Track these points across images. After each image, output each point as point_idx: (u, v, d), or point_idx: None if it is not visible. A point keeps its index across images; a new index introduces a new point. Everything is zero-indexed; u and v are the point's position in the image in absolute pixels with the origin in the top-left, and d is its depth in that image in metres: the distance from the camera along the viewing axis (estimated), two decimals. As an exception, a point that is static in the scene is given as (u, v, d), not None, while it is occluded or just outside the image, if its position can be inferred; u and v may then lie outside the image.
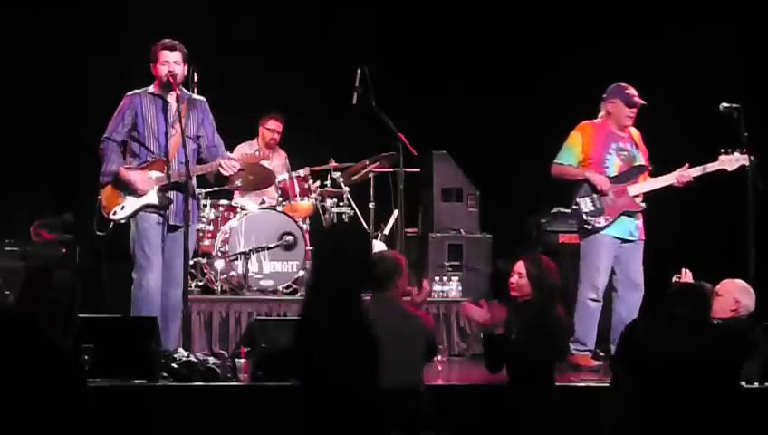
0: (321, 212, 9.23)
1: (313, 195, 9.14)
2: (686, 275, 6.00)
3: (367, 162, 9.20)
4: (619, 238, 7.42)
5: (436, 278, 9.03)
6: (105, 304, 7.65)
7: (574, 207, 7.52)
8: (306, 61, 10.27)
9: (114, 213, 6.92)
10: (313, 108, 10.06)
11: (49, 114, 9.54)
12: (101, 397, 5.63)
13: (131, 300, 6.87)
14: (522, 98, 10.22)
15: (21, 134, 9.46)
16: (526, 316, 5.62)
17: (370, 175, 9.28)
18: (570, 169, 7.52)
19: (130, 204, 6.91)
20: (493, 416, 6.03)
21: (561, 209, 9.43)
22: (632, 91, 7.49)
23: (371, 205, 9.29)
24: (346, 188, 9.31)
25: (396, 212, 9.12)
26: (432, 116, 9.94)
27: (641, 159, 7.55)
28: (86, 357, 5.71)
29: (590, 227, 7.42)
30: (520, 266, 5.72)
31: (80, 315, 6.36)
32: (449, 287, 8.97)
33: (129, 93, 7.00)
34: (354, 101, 8.50)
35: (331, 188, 9.29)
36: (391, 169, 9.03)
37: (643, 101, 7.48)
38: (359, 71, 8.46)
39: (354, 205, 9.38)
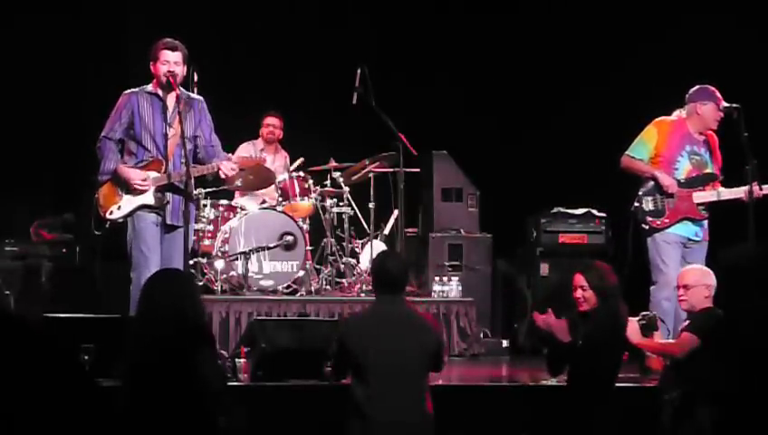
0: (321, 212, 9.23)
1: (313, 195, 9.14)
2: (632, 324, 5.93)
3: (367, 162, 9.19)
4: (684, 237, 7.32)
5: (436, 278, 9.03)
6: (102, 305, 7.64)
7: (636, 204, 7.37)
8: (306, 61, 10.27)
9: (111, 212, 6.91)
10: (313, 108, 10.06)
11: (49, 114, 9.54)
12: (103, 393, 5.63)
13: (130, 300, 6.86)
14: (522, 98, 10.23)
15: (21, 134, 9.46)
16: (598, 324, 5.57)
17: (370, 175, 9.27)
18: (639, 164, 7.38)
19: (127, 204, 6.90)
20: (493, 416, 6.04)
21: (562, 209, 9.44)
22: (719, 94, 7.37)
23: (371, 205, 9.28)
24: (346, 188, 9.30)
25: (396, 212, 9.12)
26: (432, 116, 9.94)
27: (713, 168, 7.44)
28: (86, 357, 5.73)
29: (647, 227, 7.31)
30: (580, 280, 5.60)
31: (80, 315, 6.43)
32: (449, 287, 8.96)
33: (127, 92, 6.99)
34: (354, 101, 8.50)
35: (331, 188, 9.29)
36: (391, 169, 9.03)
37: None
38: (359, 71, 8.47)
39: (354, 205, 9.38)
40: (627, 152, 7.43)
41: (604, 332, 5.55)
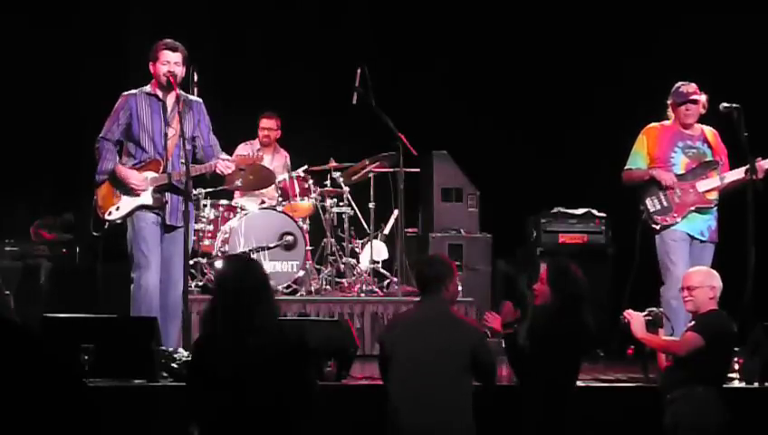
0: (321, 212, 9.23)
1: (313, 195, 9.13)
2: (631, 317, 5.89)
3: (367, 162, 9.18)
4: (690, 236, 7.26)
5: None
6: (102, 304, 7.64)
7: (641, 208, 7.30)
8: (306, 61, 10.27)
9: (109, 213, 6.92)
10: (313, 108, 10.06)
11: (49, 114, 9.54)
12: (101, 397, 5.63)
13: (130, 299, 6.86)
14: (522, 98, 10.22)
15: (21, 134, 9.46)
16: (538, 319, 5.59)
17: (370, 175, 9.27)
18: (637, 171, 7.36)
19: (125, 204, 6.91)
20: (493, 416, 6.03)
21: (562, 209, 9.43)
22: (687, 88, 7.32)
23: (371, 205, 9.27)
24: (346, 188, 9.30)
25: (396, 212, 9.11)
26: (432, 116, 9.94)
27: (712, 156, 7.36)
28: (86, 357, 5.73)
29: (657, 227, 7.25)
30: (543, 273, 5.68)
31: (80, 315, 6.42)
32: (449, 287, 8.94)
33: (125, 93, 6.99)
34: (354, 101, 8.50)
35: (331, 188, 9.28)
36: (391, 169, 9.02)
37: (695, 97, 7.28)
38: (359, 71, 8.46)
39: (354, 205, 9.38)
40: (625, 167, 7.43)
41: (544, 328, 5.52)
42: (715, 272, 5.98)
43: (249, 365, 4.40)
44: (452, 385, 5.18)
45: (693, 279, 5.85)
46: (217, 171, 6.99)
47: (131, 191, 6.89)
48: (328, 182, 9.31)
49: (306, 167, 9.18)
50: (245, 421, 4.39)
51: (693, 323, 5.76)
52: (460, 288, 8.88)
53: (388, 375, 5.23)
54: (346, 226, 9.30)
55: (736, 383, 6.46)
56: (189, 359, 4.74)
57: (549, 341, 5.50)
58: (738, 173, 7.25)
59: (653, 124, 7.46)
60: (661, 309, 6.07)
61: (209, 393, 4.43)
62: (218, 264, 8.61)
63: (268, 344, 4.44)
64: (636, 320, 5.78)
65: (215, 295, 4.70)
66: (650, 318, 5.86)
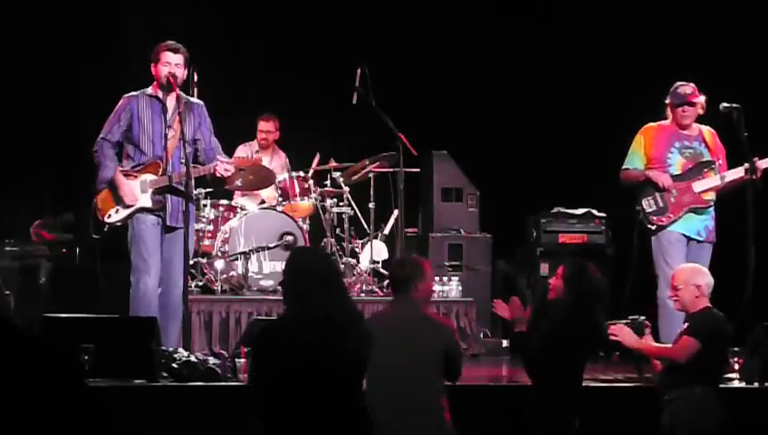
0: (321, 212, 9.23)
1: (313, 195, 9.13)
2: (617, 332, 5.85)
3: (367, 162, 9.19)
4: (686, 236, 7.26)
5: (437, 278, 9.02)
6: (102, 305, 7.64)
7: (638, 208, 7.30)
8: (306, 61, 10.27)
9: (109, 216, 6.92)
10: (313, 108, 10.06)
11: (50, 114, 9.54)
12: (101, 397, 5.63)
13: (129, 302, 6.86)
14: (522, 98, 10.23)
15: (22, 134, 9.46)
16: (551, 316, 5.56)
17: (370, 175, 9.27)
18: (633, 172, 7.35)
19: (125, 207, 6.91)
20: (494, 416, 6.03)
21: (562, 209, 9.44)
22: (685, 89, 7.30)
23: (371, 205, 9.28)
24: (346, 188, 9.30)
25: (396, 212, 9.12)
26: (432, 116, 9.94)
27: (709, 156, 7.34)
28: (86, 357, 5.73)
29: (653, 227, 7.24)
30: (560, 269, 5.64)
31: (80, 315, 6.42)
32: (449, 287, 8.96)
33: (126, 95, 7.00)
34: (354, 101, 8.50)
35: (331, 188, 9.29)
36: (391, 169, 9.03)
37: (694, 99, 7.26)
38: (359, 70, 8.46)
39: (354, 205, 9.38)
40: (622, 167, 7.42)
41: (556, 324, 5.49)
42: (702, 269, 5.93)
43: (311, 351, 4.43)
44: (427, 384, 5.18)
45: (677, 278, 5.81)
46: (217, 174, 6.98)
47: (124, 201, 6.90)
48: (328, 182, 9.31)
49: (318, 158, 9.19)
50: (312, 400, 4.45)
51: (686, 325, 5.72)
52: (460, 289, 8.96)
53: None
54: (346, 226, 9.30)
55: (736, 383, 6.46)
56: (255, 343, 4.79)
57: (560, 338, 5.48)
58: (737, 172, 7.25)
59: (650, 124, 7.45)
60: (643, 317, 5.97)
61: (274, 377, 4.47)
62: (218, 264, 8.62)
63: (331, 333, 4.48)
64: (624, 329, 5.72)
65: (284, 280, 4.74)
66: (631, 326, 5.78)
